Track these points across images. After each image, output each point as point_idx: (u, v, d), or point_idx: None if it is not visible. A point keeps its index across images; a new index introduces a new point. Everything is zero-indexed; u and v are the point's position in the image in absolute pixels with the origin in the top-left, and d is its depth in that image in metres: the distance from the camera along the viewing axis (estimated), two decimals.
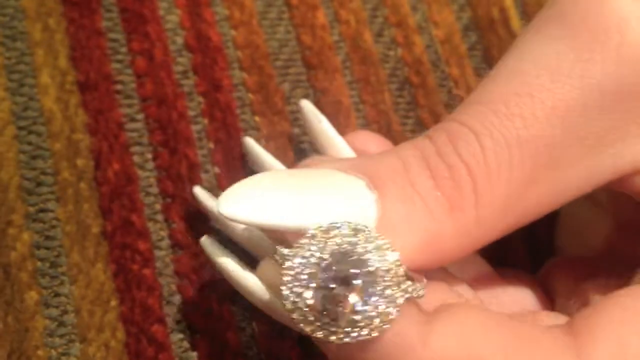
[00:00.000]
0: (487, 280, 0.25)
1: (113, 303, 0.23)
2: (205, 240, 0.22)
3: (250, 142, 0.24)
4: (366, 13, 0.30)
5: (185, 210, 0.25)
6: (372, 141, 0.25)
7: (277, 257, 0.19)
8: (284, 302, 0.18)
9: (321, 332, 0.18)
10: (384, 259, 0.18)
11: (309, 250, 0.18)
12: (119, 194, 0.24)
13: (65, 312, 0.23)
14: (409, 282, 0.18)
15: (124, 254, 0.24)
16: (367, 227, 0.18)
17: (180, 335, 0.23)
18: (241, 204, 0.19)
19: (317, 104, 0.28)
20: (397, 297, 0.18)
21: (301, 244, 0.18)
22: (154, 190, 0.25)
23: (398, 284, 0.18)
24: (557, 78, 0.19)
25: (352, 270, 0.18)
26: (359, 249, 0.18)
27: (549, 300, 0.25)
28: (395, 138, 0.28)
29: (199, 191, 0.24)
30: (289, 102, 0.28)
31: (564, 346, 0.19)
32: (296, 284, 0.18)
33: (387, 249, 0.18)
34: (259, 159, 0.24)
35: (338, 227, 0.18)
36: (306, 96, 0.28)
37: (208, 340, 0.23)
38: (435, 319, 0.19)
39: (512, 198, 0.20)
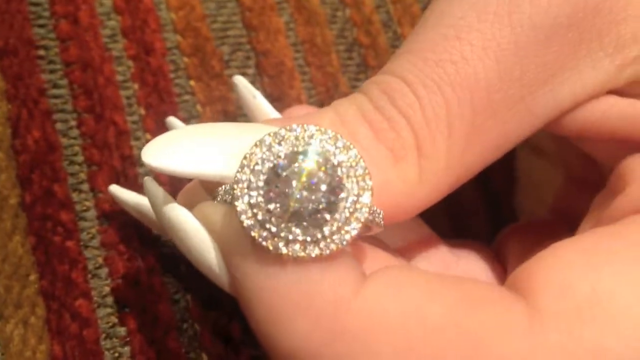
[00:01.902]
0: (436, 251, 0.23)
1: (32, 277, 0.21)
2: (147, 180, 0.19)
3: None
4: None
5: (112, 178, 0.23)
6: None
7: (219, 194, 0.17)
8: (240, 218, 0.16)
9: (287, 247, 0.16)
10: (347, 153, 0.16)
11: (261, 156, 0.16)
12: (40, 163, 0.23)
13: None
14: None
15: (45, 225, 0.22)
16: (321, 128, 0.16)
17: (108, 310, 0.21)
18: (167, 153, 0.17)
19: (259, 67, 0.26)
20: (365, 192, 0.16)
21: (249, 153, 0.16)
22: (79, 158, 0.23)
23: (364, 182, 0.16)
24: (484, 17, 0.18)
25: (314, 169, 0.16)
26: (317, 147, 0.16)
27: (504, 271, 0.23)
28: None
29: (115, 189, 0.22)
30: (228, 66, 0.26)
31: (510, 297, 0.17)
32: (252, 193, 0.16)
33: (348, 146, 0.16)
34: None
35: (290, 130, 0.16)
36: (247, 59, 0.26)
37: (138, 314, 0.21)
38: (372, 274, 0.17)
39: (455, 149, 0.18)
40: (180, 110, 0.25)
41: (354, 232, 0.16)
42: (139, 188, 0.23)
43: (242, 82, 0.23)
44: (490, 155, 0.19)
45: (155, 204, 0.18)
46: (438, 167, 0.18)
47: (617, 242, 0.17)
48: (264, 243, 0.16)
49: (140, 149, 0.24)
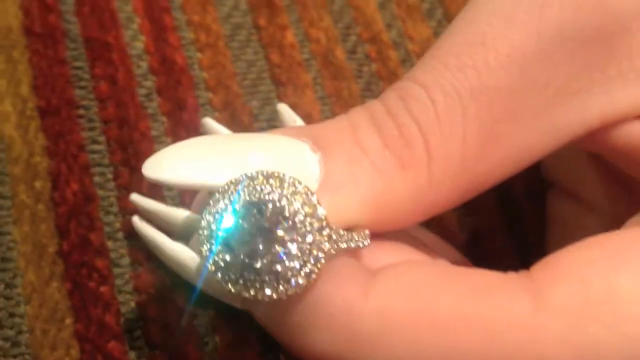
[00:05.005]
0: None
1: (68, 321, 0.22)
2: (135, 219, 0.21)
3: (209, 122, 0.24)
4: (338, 31, 0.30)
5: None
6: None
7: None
8: (206, 264, 0.17)
9: (247, 291, 0.17)
10: (303, 203, 0.17)
11: (221, 204, 0.17)
12: (77, 214, 0.24)
13: (19, 332, 0.22)
14: (343, 232, 0.17)
15: (81, 272, 0.23)
16: (283, 173, 0.17)
17: (139, 352, 0.22)
18: (171, 166, 0.18)
19: None
20: (321, 242, 0.17)
21: (213, 199, 0.17)
22: (114, 209, 0.24)
23: (320, 229, 0.17)
24: (511, 24, 0.18)
25: (268, 218, 0.17)
26: (274, 196, 0.17)
27: None
28: None
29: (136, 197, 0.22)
30: (258, 119, 0.27)
31: (518, 287, 0.17)
32: (212, 241, 0.17)
33: (306, 192, 0.17)
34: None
35: (251, 177, 0.17)
36: (275, 112, 0.27)
37: (167, 355, 0.22)
38: (378, 274, 0.18)
39: (470, 156, 0.18)
40: None
41: (303, 282, 0.17)
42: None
43: (284, 109, 0.24)
44: (508, 167, 0.19)
45: (153, 245, 0.20)
46: (450, 172, 0.18)
47: None
48: (228, 286, 0.17)
49: (173, 199, 0.25)
